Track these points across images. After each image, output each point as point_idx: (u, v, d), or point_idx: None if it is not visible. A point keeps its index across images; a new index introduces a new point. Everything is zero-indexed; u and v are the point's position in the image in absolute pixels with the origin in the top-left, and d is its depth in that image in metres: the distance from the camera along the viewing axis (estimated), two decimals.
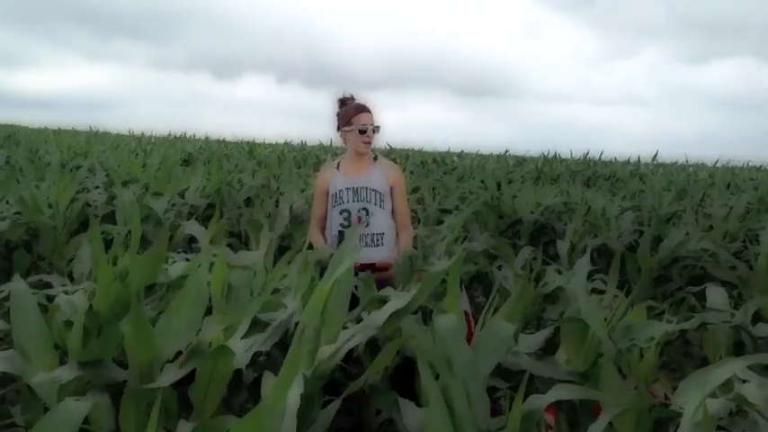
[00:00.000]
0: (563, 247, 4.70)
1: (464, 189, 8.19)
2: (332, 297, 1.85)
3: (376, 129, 3.43)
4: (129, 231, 4.26)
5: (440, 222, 6.08)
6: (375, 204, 3.42)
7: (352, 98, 3.54)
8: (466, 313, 3.17)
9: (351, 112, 3.44)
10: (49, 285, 3.33)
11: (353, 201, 3.42)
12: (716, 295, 3.52)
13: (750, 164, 21.50)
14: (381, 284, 3.03)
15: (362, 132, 3.41)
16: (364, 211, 3.41)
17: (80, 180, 6.86)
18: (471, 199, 7.07)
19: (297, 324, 1.97)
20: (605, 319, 2.55)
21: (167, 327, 1.88)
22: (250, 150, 15.36)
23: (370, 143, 3.43)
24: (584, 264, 2.87)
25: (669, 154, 21.14)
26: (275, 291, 2.98)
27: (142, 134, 20.87)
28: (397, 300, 1.80)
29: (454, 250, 4.57)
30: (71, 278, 3.66)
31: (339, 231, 3.41)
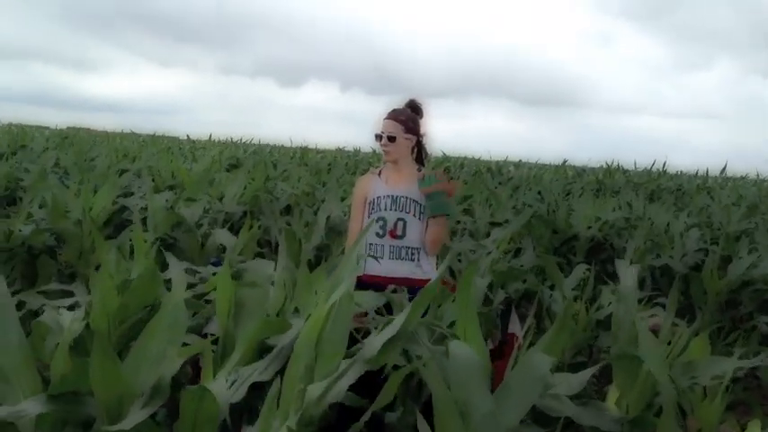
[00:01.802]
0: (623, 266, 4.33)
1: (517, 201, 7.82)
2: (329, 324, 1.57)
3: (391, 138, 3.19)
4: (158, 239, 4.08)
5: (489, 236, 5.76)
6: (414, 216, 3.16)
7: (413, 104, 3.33)
8: (514, 336, 2.87)
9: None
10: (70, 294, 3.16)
11: (391, 209, 3.17)
12: None
13: None
14: None
15: (378, 139, 3.22)
16: (401, 222, 3.16)
17: (123, 184, 6.77)
18: (524, 212, 6.70)
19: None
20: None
21: (139, 358, 1.63)
22: (301, 156, 15.22)
23: (386, 152, 3.22)
24: (630, 286, 2.54)
25: (740, 169, 20.21)
26: (296, 310, 2.74)
27: (197, 139, 21.03)
28: (389, 328, 1.51)
29: (499, 267, 4.28)
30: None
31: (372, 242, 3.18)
